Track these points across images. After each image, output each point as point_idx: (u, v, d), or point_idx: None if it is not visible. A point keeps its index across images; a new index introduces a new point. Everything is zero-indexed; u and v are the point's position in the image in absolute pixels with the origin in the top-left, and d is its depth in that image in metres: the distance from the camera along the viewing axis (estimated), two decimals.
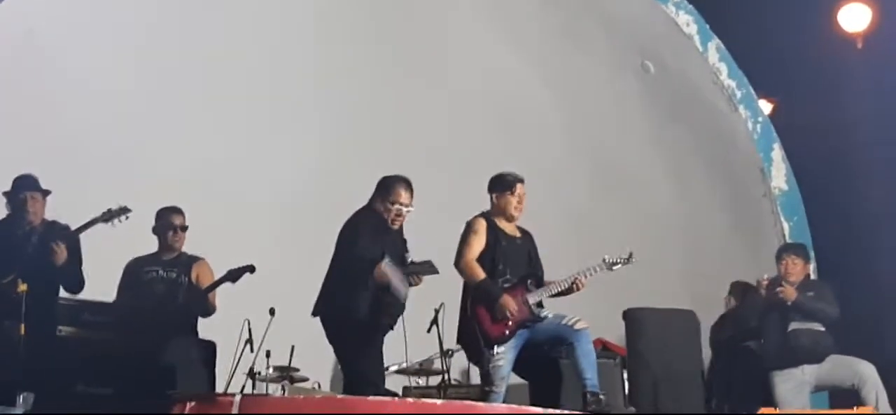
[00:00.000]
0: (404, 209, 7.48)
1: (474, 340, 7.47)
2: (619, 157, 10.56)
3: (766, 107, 10.34)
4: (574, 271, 7.59)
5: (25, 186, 7.78)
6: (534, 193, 10.34)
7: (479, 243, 7.57)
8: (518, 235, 7.74)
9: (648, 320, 8.08)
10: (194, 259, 8.32)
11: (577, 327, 7.36)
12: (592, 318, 9.17)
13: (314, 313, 7.53)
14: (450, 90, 10.55)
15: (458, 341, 7.70)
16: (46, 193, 7.83)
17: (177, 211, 8.32)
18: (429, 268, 7.49)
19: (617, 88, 10.51)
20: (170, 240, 8.24)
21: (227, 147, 10.09)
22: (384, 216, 7.47)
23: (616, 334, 8.93)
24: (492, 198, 7.75)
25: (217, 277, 8.19)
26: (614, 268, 7.69)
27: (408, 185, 7.52)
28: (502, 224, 7.69)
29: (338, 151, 10.26)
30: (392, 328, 7.58)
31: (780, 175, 10.11)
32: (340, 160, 10.22)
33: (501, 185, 7.72)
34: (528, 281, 7.59)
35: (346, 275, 7.40)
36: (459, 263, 7.54)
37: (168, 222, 8.26)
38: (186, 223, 8.30)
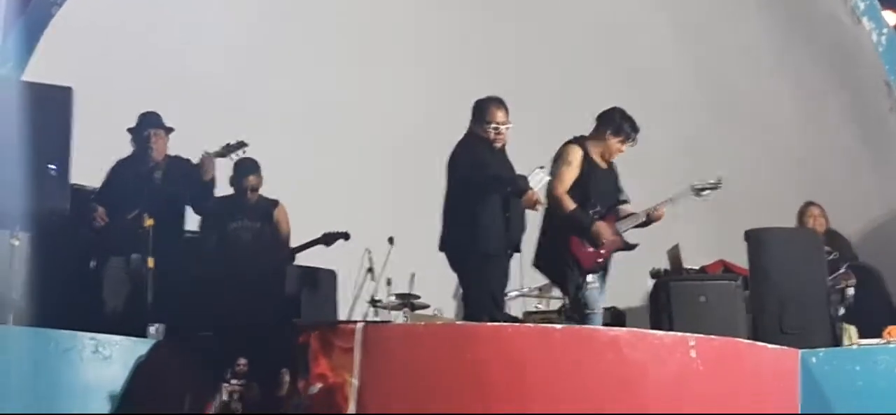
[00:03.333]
0: (502, 127, 7.52)
1: (559, 264, 7.56)
2: (739, 78, 10.36)
3: (891, 18, 10.00)
4: (660, 200, 7.69)
5: (149, 124, 7.95)
6: (652, 121, 10.26)
7: (571, 174, 7.60)
8: (605, 163, 7.75)
9: (771, 239, 7.91)
10: (273, 204, 8.39)
11: None
12: (714, 239, 9.13)
13: (441, 249, 7.58)
14: (562, 21, 10.43)
15: (535, 264, 7.71)
16: (169, 130, 7.99)
17: (250, 170, 8.23)
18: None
19: (734, 8, 10.29)
20: (247, 198, 8.26)
21: (341, 78, 10.15)
22: (484, 138, 7.52)
23: (738, 256, 8.80)
24: (601, 130, 7.71)
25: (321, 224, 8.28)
26: (703, 194, 7.79)
27: (501, 103, 7.57)
28: (595, 154, 7.69)
29: (454, 81, 10.24)
30: (517, 250, 7.61)
31: None
32: (457, 89, 10.19)
33: (614, 128, 7.68)
34: (618, 209, 7.65)
35: (462, 203, 7.44)
36: (552, 194, 7.56)
37: (242, 185, 8.24)
38: (260, 182, 8.28)
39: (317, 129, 9.82)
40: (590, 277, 7.51)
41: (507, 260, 7.51)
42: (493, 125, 7.51)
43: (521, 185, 7.44)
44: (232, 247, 8.16)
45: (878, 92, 9.87)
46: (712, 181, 7.79)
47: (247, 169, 8.23)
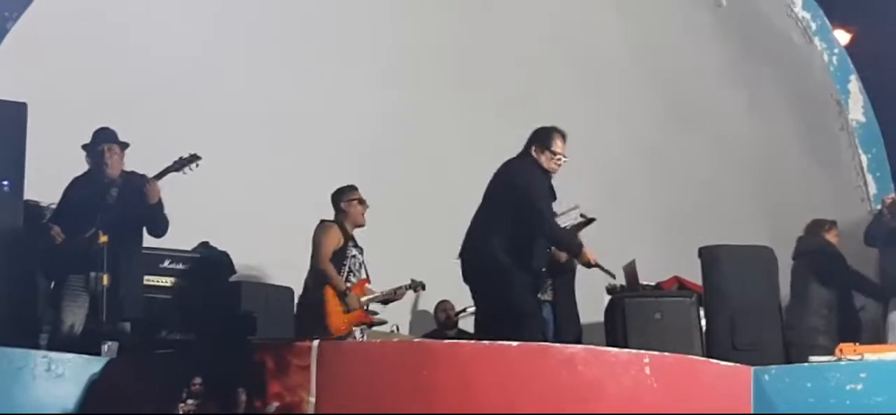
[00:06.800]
0: (563, 159, 7.46)
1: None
2: (693, 91, 10.46)
3: (843, 37, 10.15)
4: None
5: (103, 139, 7.83)
6: (606, 128, 10.34)
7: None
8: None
9: (725, 256, 7.98)
10: None
11: None
12: (668, 255, 9.21)
13: (461, 255, 7.43)
14: (521, 30, 10.47)
15: None
16: (124, 145, 7.88)
17: None
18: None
19: (690, 22, 10.39)
20: None
21: (303, 90, 10.10)
22: (546, 167, 7.42)
23: (692, 271, 8.89)
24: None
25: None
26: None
27: (564, 134, 7.48)
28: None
29: (413, 96, 10.24)
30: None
31: (857, 107, 9.95)
32: (416, 104, 10.21)
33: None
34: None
35: (521, 225, 7.29)
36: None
37: None
38: None
39: (279, 142, 9.79)
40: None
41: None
42: (558, 156, 7.42)
43: (575, 247, 7.49)
44: None
45: (828, 110, 10.02)
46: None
47: None
